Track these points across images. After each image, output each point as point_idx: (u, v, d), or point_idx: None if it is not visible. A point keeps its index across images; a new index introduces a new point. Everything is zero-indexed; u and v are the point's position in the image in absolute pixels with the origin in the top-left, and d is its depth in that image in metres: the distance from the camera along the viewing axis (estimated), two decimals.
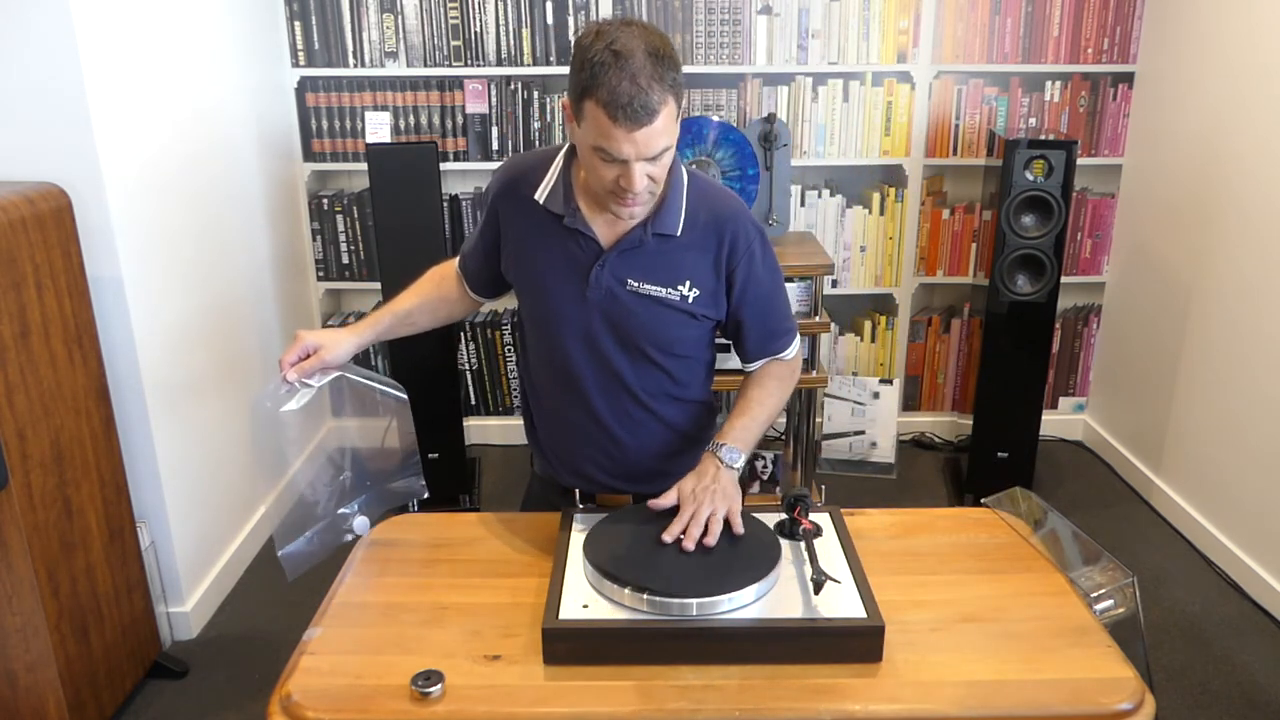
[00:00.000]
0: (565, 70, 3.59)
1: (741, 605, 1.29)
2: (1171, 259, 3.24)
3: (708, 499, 1.43)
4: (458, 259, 1.73)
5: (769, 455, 3.34)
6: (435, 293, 1.73)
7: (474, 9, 3.36)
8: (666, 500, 1.46)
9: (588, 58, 1.33)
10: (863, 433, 3.61)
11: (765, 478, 3.33)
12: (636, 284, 1.53)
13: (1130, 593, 1.43)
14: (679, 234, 1.53)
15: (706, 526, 1.40)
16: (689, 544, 1.38)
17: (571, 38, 3.37)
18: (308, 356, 1.54)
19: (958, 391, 3.82)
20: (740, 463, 1.52)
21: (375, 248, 3.44)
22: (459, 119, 3.47)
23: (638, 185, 1.39)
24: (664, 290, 1.54)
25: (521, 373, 1.74)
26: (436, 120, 3.47)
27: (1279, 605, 2.69)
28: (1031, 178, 3.00)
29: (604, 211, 1.52)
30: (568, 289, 1.55)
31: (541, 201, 1.54)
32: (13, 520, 1.95)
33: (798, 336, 1.69)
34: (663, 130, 1.35)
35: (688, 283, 1.55)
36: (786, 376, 1.67)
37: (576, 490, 1.63)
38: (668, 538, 1.40)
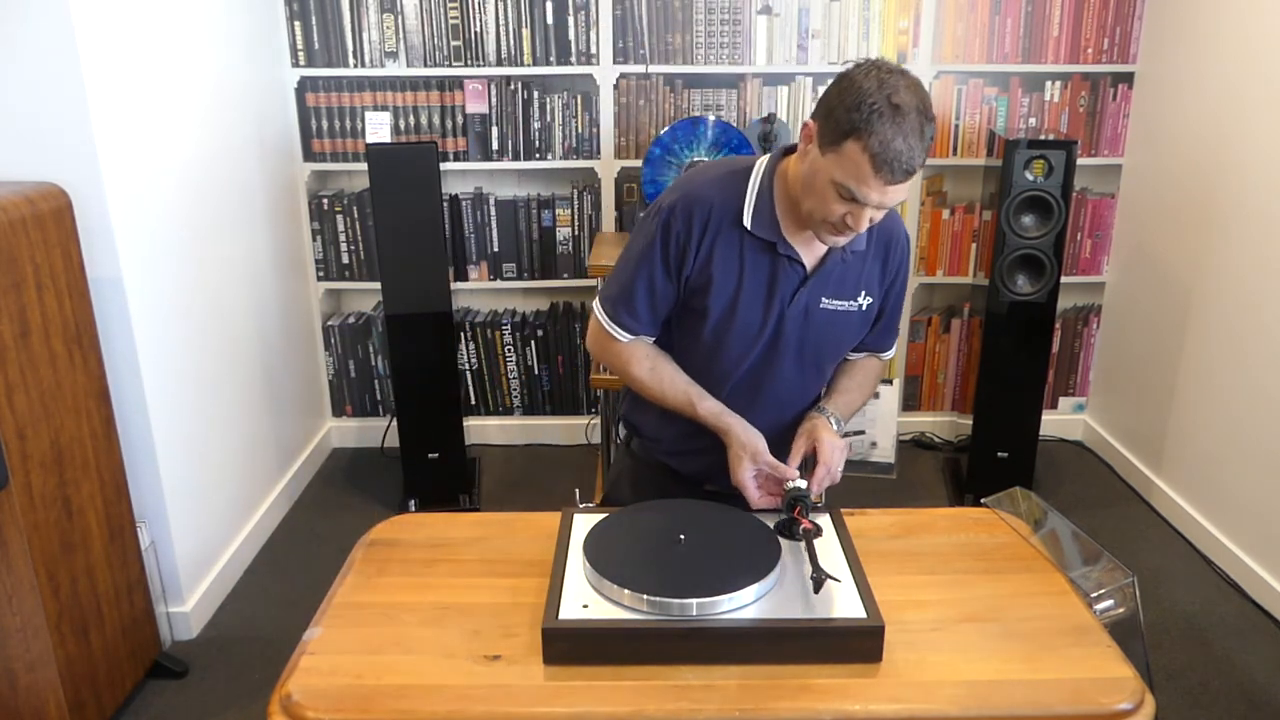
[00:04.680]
0: (565, 70, 3.59)
1: (741, 605, 1.29)
2: (1171, 259, 3.24)
3: (839, 456, 1.56)
4: (628, 334, 1.62)
5: None
6: (669, 360, 1.66)
7: (474, 9, 3.36)
8: (799, 455, 1.56)
9: (865, 100, 1.32)
10: (863, 433, 3.61)
11: None
12: (829, 301, 1.57)
13: (1130, 593, 1.43)
14: (865, 248, 1.58)
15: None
16: (821, 487, 1.54)
17: (571, 38, 3.38)
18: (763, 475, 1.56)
19: (958, 391, 3.82)
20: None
21: (375, 248, 3.43)
22: (459, 119, 3.47)
23: (864, 227, 1.42)
24: (847, 304, 1.59)
25: None
26: (436, 120, 3.47)
27: (1279, 605, 2.69)
28: (1031, 178, 3.00)
29: (802, 231, 1.53)
30: (766, 311, 1.56)
31: (749, 227, 1.52)
32: (13, 520, 1.95)
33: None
34: (908, 186, 1.39)
35: (863, 293, 1.60)
36: (877, 375, 1.76)
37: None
38: (817, 488, 1.53)
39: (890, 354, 1.78)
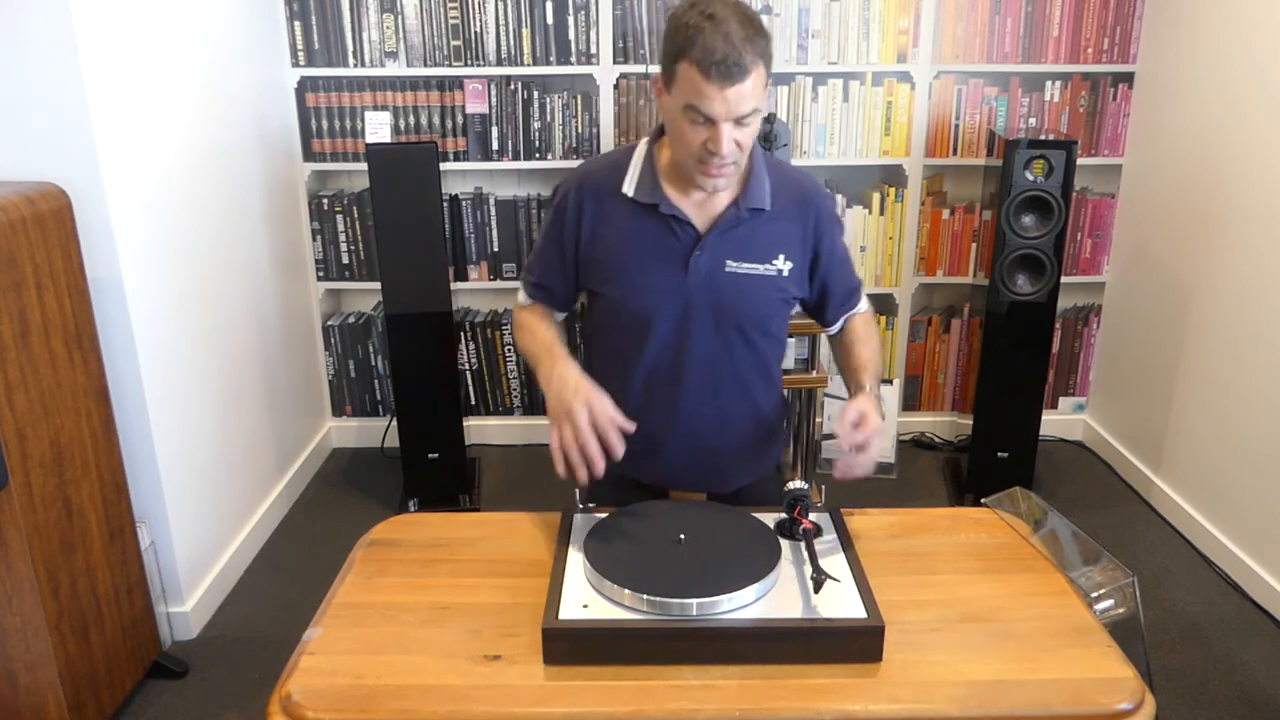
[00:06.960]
0: (565, 70, 3.61)
1: (741, 605, 1.29)
2: (1171, 259, 3.24)
3: (876, 433, 1.49)
4: (528, 297, 1.70)
5: None
6: (555, 326, 1.69)
7: (474, 9, 3.36)
8: (850, 417, 1.48)
9: (682, 23, 1.39)
10: None
11: None
12: (735, 264, 1.56)
13: (1130, 593, 1.43)
14: (769, 208, 1.56)
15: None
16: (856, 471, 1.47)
17: (571, 38, 3.38)
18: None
19: (958, 391, 3.82)
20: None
21: (375, 248, 3.44)
22: (459, 119, 3.47)
23: (725, 148, 1.42)
24: (761, 267, 1.57)
25: (593, 375, 1.64)
26: (436, 120, 3.47)
27: (1279, 605, 2.69)
28: (1031, 178, 3.00)
29: (691, 193, 1.54)
30: (665, 278, 1.55)
31: (630, 194, 1.55)
32: (13, 520, 1.95)
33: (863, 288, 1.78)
34: (752, 93, 1.40)
35: (781, 256, 1.59)
36: (873, 325, 1.75)
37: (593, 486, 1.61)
38: (845, 444, 1.46)
39: (864, 306, 1.73)
